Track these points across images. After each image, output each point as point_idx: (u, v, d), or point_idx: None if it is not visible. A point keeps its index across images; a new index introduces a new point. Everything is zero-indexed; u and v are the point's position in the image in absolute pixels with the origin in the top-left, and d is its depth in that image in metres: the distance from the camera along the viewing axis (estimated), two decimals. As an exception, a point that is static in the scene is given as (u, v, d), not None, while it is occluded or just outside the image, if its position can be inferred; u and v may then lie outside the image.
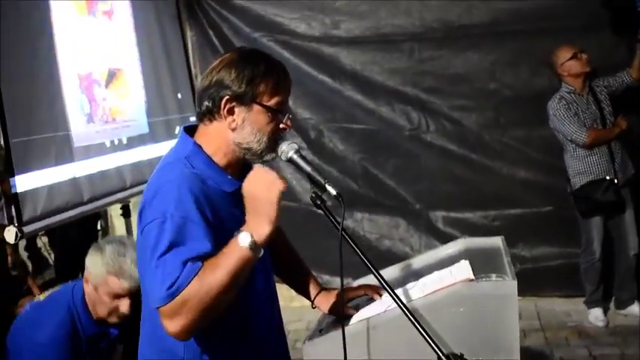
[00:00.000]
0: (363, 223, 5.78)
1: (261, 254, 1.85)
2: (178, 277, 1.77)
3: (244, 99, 1.95)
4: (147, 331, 2.06)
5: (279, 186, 1.84)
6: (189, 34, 6.01)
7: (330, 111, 5.87)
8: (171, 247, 1.80)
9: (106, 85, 4.68)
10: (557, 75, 5.23)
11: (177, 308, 1.78)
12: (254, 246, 1.82)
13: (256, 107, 1.96)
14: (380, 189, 5.86)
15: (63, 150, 4.12)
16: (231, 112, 1.95)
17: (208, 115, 1.99)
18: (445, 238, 5.63)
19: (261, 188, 1.85)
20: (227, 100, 1.94)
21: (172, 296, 1.77)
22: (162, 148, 5.12)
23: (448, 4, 5.72)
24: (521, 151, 5.71)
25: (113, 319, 2.83)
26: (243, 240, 1.81)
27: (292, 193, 5.78)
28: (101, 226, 6.37)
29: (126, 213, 5.25)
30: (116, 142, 4.68)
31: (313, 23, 5.86)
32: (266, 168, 1.93)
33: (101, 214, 6.17)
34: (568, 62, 5.12)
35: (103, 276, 2.76)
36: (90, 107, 4.46)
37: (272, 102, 1.97)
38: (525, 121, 5.64)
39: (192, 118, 5.65)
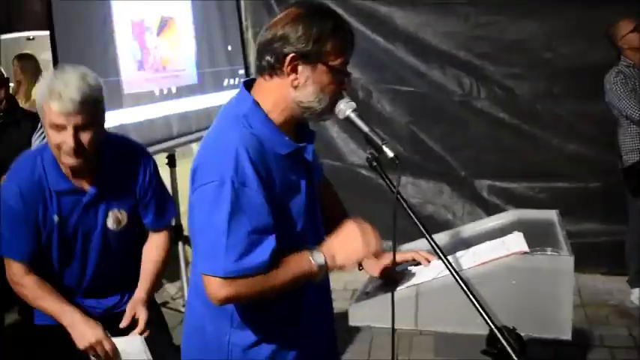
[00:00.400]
0: (407, 188, 5.73)
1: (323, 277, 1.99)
2: (245, 255, 1.82)
3: (310, 58, 1.89)
4: (197, 284, 2.05)
5: (370, 249, 1.95)
6: (242, -15, 5.95)
7: (380, 71, 5.81)
8: (232, 214, 1.81)
9: (158, 33, 4.66)
10: (616, 48, 5.09)
11: (233, 282, 1.83)
12: (323, 269, 1.91)
13: (321, 66, 1.91)
14: (426, 154, 5.82)
15: (112, 96, 4.13)
16: (294, 69, 1.90)
17: (269, 70, 1.93)
18: (489, 207, 5.62)
19: (360, 238, 1.94)
20: (292, 58, 1.88)
21: (237, 273, 1.82)
22: (211, 100, 5.12)
23: (507, -34, 5.61)
24: (572, 124, 5.62)
25: (66, 161, 2.50)
26: (317, 259, 1.91)
27: (338, 152, 5.77)
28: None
29: (171, 162, 5.26)
30: (165, 91, 4.68)
31: (370, -22, 5.78)
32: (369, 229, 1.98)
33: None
34: (629, 35, 4.99)
35: (40, 104, 2.49)
36: (141, 54, 4.46)
37: (337, 62, 1.92)
38: (579, 94, 5.52)
39: (241, 71, 5.64)
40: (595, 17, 5.33)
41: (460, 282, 1.81)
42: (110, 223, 2.70)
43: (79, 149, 2.44)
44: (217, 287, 1.85)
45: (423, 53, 5.78)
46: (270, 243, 1.85)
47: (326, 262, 1.92)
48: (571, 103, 5.60)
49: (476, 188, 5.80)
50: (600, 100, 5.10)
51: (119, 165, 2.70)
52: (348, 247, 1.94)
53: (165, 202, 2.93)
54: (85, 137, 2.44)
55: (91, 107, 2.43)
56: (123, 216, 2.73)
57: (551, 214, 2.45)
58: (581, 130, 5.59)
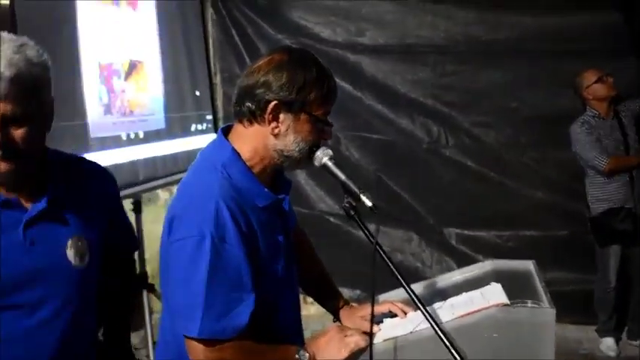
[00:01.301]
0: (377, 236, 5.67)
1: None
2: (223, 316, 1.78)
3: (293, 106, 1.86)
4: (168, 343, 1.98)
5: (346, 352, 1.89)
6: (211, 31, 5.96)
7: (348, 119, 5.80)
8: (211, 273, 1.76)
9: (126, 77, 4.61)
10: (581, 98, 5.16)
11: (209, 348, 1.80)
12: None
13: (303, 116, 1.88)
14: (394, 201, 5.79)
15: (78, 139, 4.05)
16: (276, 117, 1.87)
17: (249, 116, 1.89)
18: (458, 256, 5.61)
19: (338, 342, 1.91)
20: (275, 106, 1.85)
21: (213, 335, 1.78)
22: (178, 145, 5.07)
23: (474, 18, 5.68)
24: (539, 173, 5.65)
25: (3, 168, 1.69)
26: (301, 356, 1.88)
27: (307, 200, 5.73)
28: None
29: (137, 209, 5.17)
30: (132, 136, 4.61)
31: (338, 29, 5.82)
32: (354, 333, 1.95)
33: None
34: (593, 85, 5.06)
35: None
36: (108, 98, 4.40)
37: (320, 112, 1.90)
38: (545, 142, 5.57)
39: (209, 117, 5.62)
40: (560, 67, 5.42)
41: (440, 334, 1.77)
42: (71, 256, 1.85)
43: (8, 149, 1.66)
44: (200, 350, 1.80)
45: (391, 101, 5.80)
46: (249, 304, 1.80)
47: None
48: (538, 151, 5.64)
49: (444, 236, 5.79)
50: (567, 148, 5.15)
51: (73, 180, 1.92)
52: (332, 350, 1.90)
53: (131, 226, 2.38)
54: (19, 133, 1.67)
55: (29, 91, 1.66)
56: (84, 247, 1.88)
57: (528, 265, 2.43)
58: (549, 179, 5.62)
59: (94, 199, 1.96)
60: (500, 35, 5.64)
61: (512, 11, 5.61)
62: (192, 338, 1.79)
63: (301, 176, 5.75)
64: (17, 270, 1.75)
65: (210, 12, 5.92)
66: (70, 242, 1.85)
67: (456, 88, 5.74)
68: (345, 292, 4.90)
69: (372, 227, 5.91)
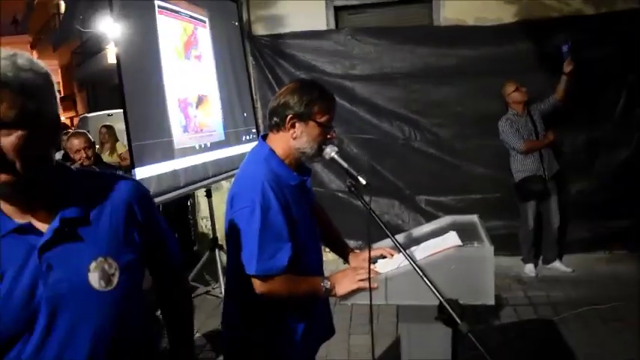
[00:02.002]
0: (370, 204, 5.64)
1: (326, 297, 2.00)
2: (271, 259, 1.79)
3: (303, 117, 1.87)
4: (230, 288, 1.99)
5: (357, 284, 1.94)
6: (252, 72, 5.93)
7: (348, 126, 5.76)
8: (261, 230, 1.77)
9: (196, 107, 4.61)
10: (504, 102, 5.10)
11: (264, 282, 1.82)
12: (328, 292, 1.95)
13: (311, 123, 1.88)
14: (382, 180, 5.75)
15: (167, 151, 4.08)
16: (293, 126, 1.88)
17: (276, 127, 1.91)
18: (426, 214, 5.57)
19: (352, 277, 1.96)
20: (290, 118, 1.86)
21: (265, 273, 1.80)
22: (233, 151, 5.08)
23: (428, 52, 5.61)
24: (478, 155, 5.59)
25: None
26: (325, 284, 1.93)
27: (322, 182, 5.71)
28: (190, 203, 6.33)
29: (208, 194, 5.21)
30: (202, 146, 4.62)
31: (337, 65, 5.76)
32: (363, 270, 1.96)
33: (191, 195, 6.12)
34: (513, 93, 5.01)
35: None
36: (186, 121, 4.40)
37: (323, 119, 1.90)
38: (481, 134, 5.50)
39: (254, 130, 5.60)
40: (491, 82, 5.34)
41: (416, 268, 1.77)
42: (95, 279, 1.21)
43: None
44: (258, 284, 1.83)
45: (376, 112, 5.74)
46: (287, 250, 1.82)
47: (330, 288, 1.93)
48: (476, 140, 5.58)
49: (416, 202, 5.74)
50: (496, 138, 5.10)
51: (97, 197, 1.27)
52: (347, 282, 1.94)
53: (172, 236, 1.53)
54: (9, 140, 1.10)
55: (15, 95, 1.09)
56: (111, 268, 1.23)
57: (474, 218, 2.42)
58: (484, 159, 5.56)
59: (123, 215, 1.28)
60: (449, 63, 5.58)
61: (456, 46, 5.55)
62: (252, 275, 1.81)
63: (318, 167, 5.74)
64: (33, 299, 1.15)
65: (250, 59, 5.89)
66: (93, 264, 1.20)
67: (420, 100, 5.67)
68: (351, 243, 4.84)
69: (367, 198, 5.89)
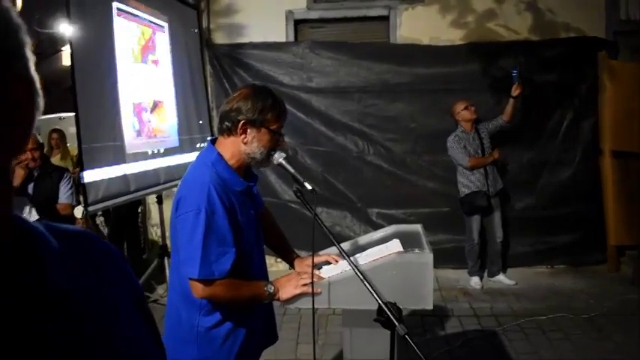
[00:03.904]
0: (322, 215, 5.70)
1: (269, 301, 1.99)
2: (214, 263, 1.79)
3: (255, 123, 1.88)
4: (175, 284, 1.97)
5: (300, 289, 1.97)
6: (209, 80, 5.91)
7: (303, 137, 5.81)
8: (205, 234, 1.78)
9: (151, 112, 4.57)
10: (454, 119, 5.24)
11: (206, 286, 1.82)
12: (271, 296, 1.94)
13: (263, 129, 1.89)
14: (334, 192, 5.81)
15: (118, 155, 4.01)
16: (245, 131, 1.88)
17: (227, 131, 1.92)
18: (377, 227, 5.59)
19: (295, 281, 1.99)
20: (243, 123, 1.87)
21: (207, 277, 1.79)
22: (188, 157, 5.03)
23: (384, 69, 5.73)
24: (430, 170, 5.73)
25: None
26: (268, 288, 1.93)
27: (274, 192, 5.72)
28: (141, 209, 6.22)
29: (159, 201, 5.14)
30: (155, 152, 4.57)
31: (294, 77, 5.81)
32: (306, 275, 2.00)
33: (142, 201, 6.02)
34: (462, 111, 5.16)
35: None
36: (139, 126, 4.35)
37: (274, 126, 1.92)
38: (433, 150, 5.64)
39: (209, 137, 5.54)
40: (441, 100, 5.52)
41: (358, 273, 1.80)
42: None
43: None
44: (199, 288, 1.82)
45: (331, 125, 5.81)
46: (231, 255, 1.82)
47: (273, 293, 1.94)
48: (428, 156, 5.71)
49: (368, 214, 5.81)
50: (446, 154, 5.23)
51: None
52: (290, 287, 1.97)
53: None
54: None
55: None
56: None
57: (417, 227, 2.47)
58: (435, 174, 5.70)
59: None
60: (402, 79, 5.70)
61: (410, 64, 5.68)
62: (193, 279, 1.80)
63: (271, 177, 5.75)
64: None
65: (208, 67, 5.88)
66: None
67: (374, 115, 5.77)
68: (302, 254, 4.83)
69: (320, 209, 5.88)
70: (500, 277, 5.32)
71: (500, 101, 5.33)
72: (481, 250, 5.31)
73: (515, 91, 5.01)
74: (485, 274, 5.43)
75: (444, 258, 5.25)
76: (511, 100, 5.05)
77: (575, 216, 5.60)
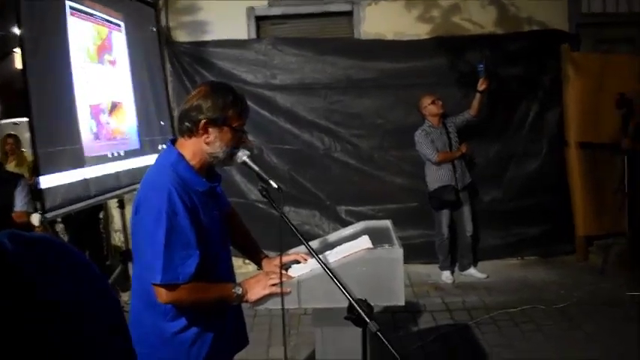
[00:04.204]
0: (290, 214, 5.68)
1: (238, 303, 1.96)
2: (177, 267, 1.76)
3: (217, 122, 1.85)
4: (137, 289, 1.93)
5: (269, 290, 1.94)
6: (170, 79, 5.83)
7: (268, 136, 5.78)
8: (167, 237, 1.74)
9: (110, 113, 4.48)
10: (421, 114, 5.29)
11: (170, 291, 1.78)
12: (239, 298, 1.91)
13: (225, 128, 1.87)
14: (302, 190, 5.81)
15: (76, 159, 3.92)
16: (206, 131, 1.85)
17: (188, 132, 1.88)
18: (346, 224, 5.54)
19: (264, 282, 1.96)
20: (204, 123, 1.84)
21: (171, 282, 1.76)
22: (149, 160, 4.94)
23: (349, 64, 5.75)
24: (397, 165, 5.77)
25: None
26: (236, 290, 1.90)
27: (240, 191, 5.68)
28: (102, 215, 6.08)
29: (121, 205, 5.06)
30: (115, 154, 4.48)
31: (258, 75, 5.78)
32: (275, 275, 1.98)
33: (103, 206, 5.89)
34: (429, 106, 5.21)
35: None
36: (97, 128, 4.27)
37: (237, 124, 1.90)
38: (400, 146, 5.68)
39: (171, 138, 5.47)
40: (408, 94, 5.57)
41: (327, 271, 1.79)
42: None
43: None
44: (163, 293, 1.79)
45: (297, 122, 5.79)
46: (195, 258, 1.79)
47: (242, 294, 1.91)
48: (395, 151, 5.75)
49: (337, 212, 5.82)
50: (414, 149, 5.28)
51: None
52: (259, 287, 1.94)
53: None
54: None
55: None
56: None
57: (387, 223, 2.48)
58: (403, 169, 5.75)
59: None
60: (367, 75, 5.73)
61: (375, 59, 5.71)
62: (157, 284, 1.77)
63: (237, 177, 5.71)
64: None
65: (168, 66, 5.80)
66: None
67: (340, 111, 5.78)
68: (271, 255, 4.86)
69: (287, 209, 5.86)
70: (472, 270, 5.40)
71: (467, 95, 5.40)
72: (451, 245, 5.37)
73: (481, 86, 5.08)
74: (457, 269, 5.50)
75: (414, 253, 5.30)
76: (477, 95, 5.12)
77: (543, 207, 5.71)
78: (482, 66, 5.08)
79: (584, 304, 4.54)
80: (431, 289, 5.17)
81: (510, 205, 5.74)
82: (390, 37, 5.82)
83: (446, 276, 5.35)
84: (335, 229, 5.63)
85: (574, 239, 5.74)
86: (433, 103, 5.18)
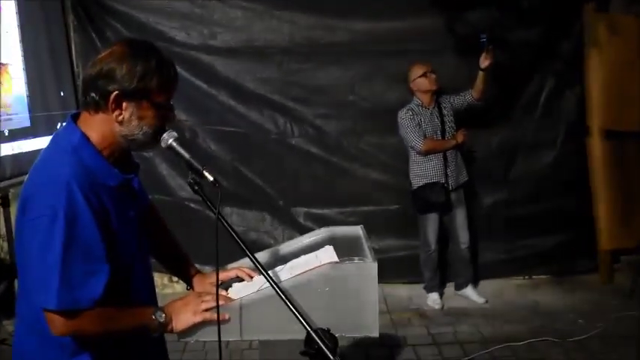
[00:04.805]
0: (232, 217, 5.66)
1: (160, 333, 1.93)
2: (79, 287, 1.71)
3: (134, 95, 1.79)
4: (24, 316, 1.88)
5: (201, 316, 1.91)
6: (73, 35, 5.70)
7: (205, 114, 5.73)
8: (65, 247, 1.68)
9: (-10, 80, 4.36)
10: (409, 89, 5.32)
11: (68, 319, 1.72)
12: (162, 327, 1.88)
13: (145, 103, 1.82)
14: (248, 186, 5.78)
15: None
16: (119, 106, 1.80)
17: (94, 106, 1.82)
18: (306, 231, 5.47)
19: (194, 306, 1.92)
20: (116, 95, 1.78)
21: (70, 307, 1.71)
22: (43, 142, 4.81)
23: (314, 23, 5.75)
24: (374, 156, 5.81)
25: None
26: (158, 317, 1.86)
27: (166, 187, 5.63)
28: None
29: (4, 203, 4.93)
30: (-2, 134, 4.37)
31: (192, 33, 5.71)
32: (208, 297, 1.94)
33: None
34: (419, 79, 5.24)
35: None
36: (-28, 100, 4.15)
37: (161, 98, 1.84)
38: (378, 130, 5.72)
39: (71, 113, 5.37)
40: (390, 65, 5.62)
41: (278, 292, 1.78)
42: None
43: None
44: (60, 322, 1.72)
45: (243, 97, 5.76)
46: (103, 274, 1.74)
47: (165, 322, 1.88)
48: (372, 138, 5.80)
49: (293, 215, 5.82)
50: (396, 134, 5.31)
51: None
52: (187, 313, 1.91)
53: None
54: None
55: None
56: None
57: (357, 230, 2.47)
58: (381, 161, 5.79)
59: None
60: (336, 38, 5.74)
61: (346, 17, 5.71)
62: (50, 311, 1.71)
63: (162, 167, 5.64)
64: None
65: (71, 18, 5.66)
66: None
67: (300, 84, 5.78)
68: (206, 269, 4.80)
69: (229, 210, 5.86)
70: (468, 291, 5.49)
71: (465, 67, 5.44)
72: (441, 259, 5.43)
73: (484, 62, 5.11)
74: (447, 289, 5.57)
75: (393, 270, 5.34)
76: (480, 74, 5.17)
77: (558, 213, 5.82)
78: (484, 37, 5.10)
79: (609, 335, 4.64)
80: (414, 316, 5.22)
81: (516, 210, 5.83)
82: (366, -11, 5.82)
83: (432, 300, 5.40)
84: (290, 237, 5.62)
85: (596, 254, 5.86)
86: (425, 75, 5.22)
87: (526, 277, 5.94)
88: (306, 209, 5.83)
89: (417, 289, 5.53)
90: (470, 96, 5.29)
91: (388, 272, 5.45)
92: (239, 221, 5.69)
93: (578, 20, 5.78)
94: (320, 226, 5.56)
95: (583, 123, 5.85)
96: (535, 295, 5.60)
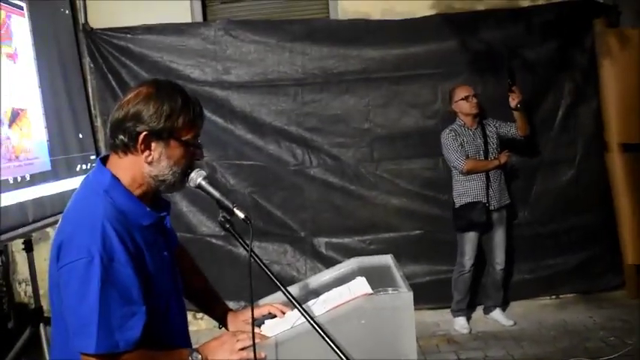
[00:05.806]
0: (254, 250, 5.63)
1: None
2: (117, 330, 1.70)
3: (162, 135, 1.81)
4: (59, 358, 1.87)
5: (238, 355, 1.87)
6: (89, 77, 5.77)
7: (222, 149, 5.75)
8: (102, 290, 1.68)
9: (10, 125, 4.38)
10: (451, 110, 5.37)
11: None
12: None
13: (173, 142, 1.82)
14: (268, 219, 5.78)
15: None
16: (148, 146, 1.81)
17: (123, 147, 1.83)
18: (328, 262, 5.64)
19: (230, 346, 1.89)
20: (145, 136, 1.79)
21: (110, 350, 1.70)
22: (64, 185, 4.86)
23: (326, 53, 5.78)
24: (392, 182, 5.79)
25: None
26: (195, 357, 1.85)
27: (187, 224, 5.62)
28: (2, 261, 5.94)
29: (28, 247, 4.92)
30: (19, 179, 4.38)
31: (206, 69, 5.76)
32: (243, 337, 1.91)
33: (3, 250, 5.75)
34: (460, 102, 5.30)
35: None
36: (-7, 145, 4.17)
37: (188, 136, 1.86)
38: (395, 156, 5.73)
39: (93, 157, 5.41)
40: (404, 89, 5.65)
41: (316, 327, 1.76)
42: None
43: None
44: None
45: (259, 130, 5.78)
46: (141, 316, 1.74)
47: None
48: (389, 164, 5.79)
49: (315, 245, 5.80)
50: (417, 159, 5.34)
51: None
52: (224, 353, 1.89)
53: None
54: None
55: None
56: None
57: (387, 259, 2.46)
58: (399, 187, 5.78)
59: None
60: (349, 67, 5.76)
61: (358, 46, 5.75)
62: (90, 355, 1.71)
63: (182, 203, 5.64)
64: None
65: (87, 60, 5.73)
66: None
67: (315, 114, 5.80)
68: (232, 305, 4.80)
69: (252, 242, 5.76)
70: (497, 314, 5.45)
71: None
72: (474, 280, 5.41)
73: (512, 102, 5.17)
74: (476, 312, 5.52)
75: (418, 296, 5.16)
76: (515, 113, 5.23)
77: (581, 230, 5.79)
78: (509, 80, 5.17)
79: (642, 353, 4.58)
80: (441, 342, 5.17)
81: (539, 229, 5.80)
82: (376, 16, 5.86)
83: (460, 324, 5.35)
84: (313, 269, 5.68)
85: (621, 269, 5.81)
86: (466, 99, 5.25)
87: (552, 296, 5.89)
88: (327, 239, 5.81)
89: (444, 314, 5.49)
90: (514, 130, 5.32)
91: (414, 299, 5.41)
92: (261, 254, 5.60)
93: (589, 35, 5.76)
94: (341, 256, 5.68)
95: (601, 137, 5.82)
96: (562, 314, 5.54)
